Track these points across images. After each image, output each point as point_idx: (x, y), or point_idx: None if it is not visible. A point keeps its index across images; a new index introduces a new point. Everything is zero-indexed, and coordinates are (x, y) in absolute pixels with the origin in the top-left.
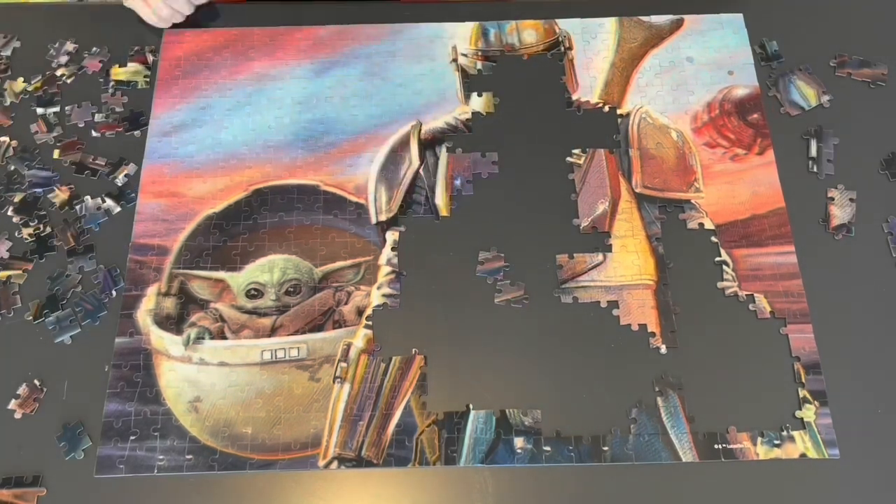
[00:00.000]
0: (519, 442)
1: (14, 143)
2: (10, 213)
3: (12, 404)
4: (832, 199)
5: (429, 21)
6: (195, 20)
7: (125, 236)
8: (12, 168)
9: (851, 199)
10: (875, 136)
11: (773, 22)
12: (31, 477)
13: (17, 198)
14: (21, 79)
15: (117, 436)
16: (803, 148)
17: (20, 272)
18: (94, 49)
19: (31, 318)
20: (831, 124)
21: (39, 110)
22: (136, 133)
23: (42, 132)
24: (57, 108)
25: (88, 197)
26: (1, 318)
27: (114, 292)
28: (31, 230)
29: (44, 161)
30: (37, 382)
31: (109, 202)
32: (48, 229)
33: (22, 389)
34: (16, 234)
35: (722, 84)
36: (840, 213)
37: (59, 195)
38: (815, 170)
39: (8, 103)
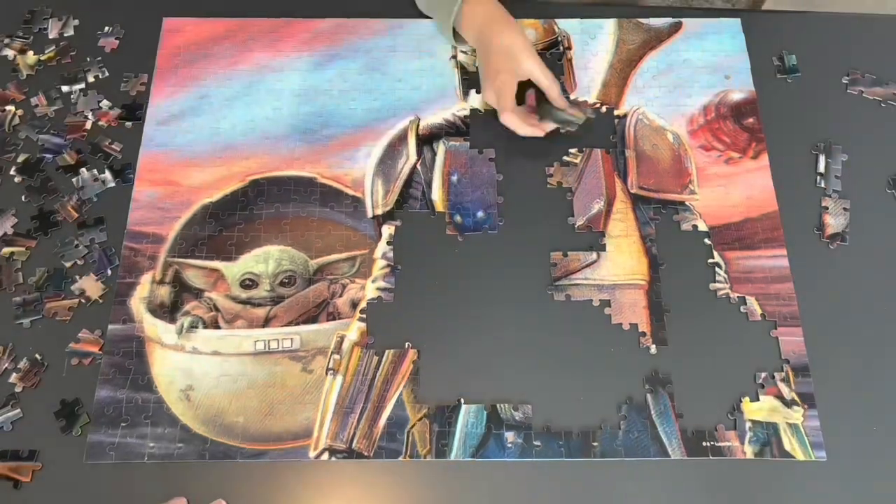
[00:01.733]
0: (510, 436)
1: (20, 112)
2: (12, 172)
3: (13, 378)
4: (826, 208)
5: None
6: (196, 9)
7: (121, 214)
8: (24, 136)
9: (845, 209)
10: (883, 155)
11: (789, 36)
12: (27, 451)
13: (22, 158)
14: (31, 52)
15: (108, 422)
16: (799, 153)
17: (23, 249)
18: (107, 28)
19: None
20: (840, 141)
21: (65, 88)
22: (128, 124)
23: (42, 105)
24: (82, 86)
25: (84, 169)
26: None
27: (109, 271)
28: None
29: (57, 129)
30: (38, 356)
31: (107, 174)
32: (53, 204)
33: (23, 363)
34: (22, 198)
35: (718, 88)
36: (834, 222)
37: (67, 159)
38: (822, 185)
39: (24, 76)
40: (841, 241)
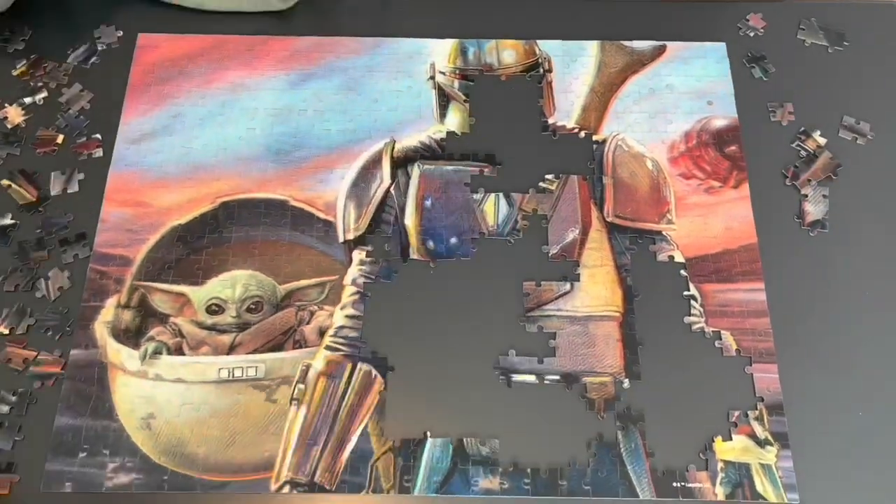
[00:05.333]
0: (481, 483)
1: None
2: None
3: (4, 408)
4: (806, 195)
5: (413, 32)
6: (172, 25)
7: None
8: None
9: (824, 196)
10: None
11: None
12: (5, 464)
13: None
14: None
15: (67, 451)
16: (780, 182)
17: None
18: (82, 47)
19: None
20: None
21: (27, 100)
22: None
23: (9, 118)
24: (44, 94)
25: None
26: None
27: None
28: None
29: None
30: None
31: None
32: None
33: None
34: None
35: (701, 114)
36: (814, 209)
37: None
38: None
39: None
40: (822, 229)
